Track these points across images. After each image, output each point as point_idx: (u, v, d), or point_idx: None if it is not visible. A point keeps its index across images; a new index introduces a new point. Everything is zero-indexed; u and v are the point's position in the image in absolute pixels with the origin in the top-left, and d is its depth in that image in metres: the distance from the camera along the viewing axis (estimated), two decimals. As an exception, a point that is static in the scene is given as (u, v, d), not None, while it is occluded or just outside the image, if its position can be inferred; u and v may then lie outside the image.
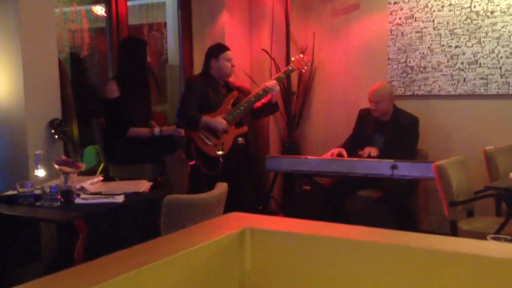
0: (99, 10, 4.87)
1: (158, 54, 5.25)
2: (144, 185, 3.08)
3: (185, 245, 1.37)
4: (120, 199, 2.81)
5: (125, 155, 3.65)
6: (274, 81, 4.10)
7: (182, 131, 3.70)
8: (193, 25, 4.75)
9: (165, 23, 5.17)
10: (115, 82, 3.65)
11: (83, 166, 3.10)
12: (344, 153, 4.07)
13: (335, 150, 4.10)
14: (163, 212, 2.42)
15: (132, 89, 3.67)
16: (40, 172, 2.99)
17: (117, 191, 2.92)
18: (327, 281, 1.39)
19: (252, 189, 4.54)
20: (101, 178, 3.28)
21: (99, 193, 2.92)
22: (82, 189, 2.99)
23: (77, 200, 2.80)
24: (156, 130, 3.66)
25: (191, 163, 3.83)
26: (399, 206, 3.83)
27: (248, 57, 4.94)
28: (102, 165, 3.98)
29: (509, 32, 4.04)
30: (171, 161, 3.56)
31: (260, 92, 4.05)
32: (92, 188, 3.04)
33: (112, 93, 3.62)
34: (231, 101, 4.04)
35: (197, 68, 4.52)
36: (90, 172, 3.89)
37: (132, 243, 1.48)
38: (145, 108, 3.81)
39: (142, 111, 3.76)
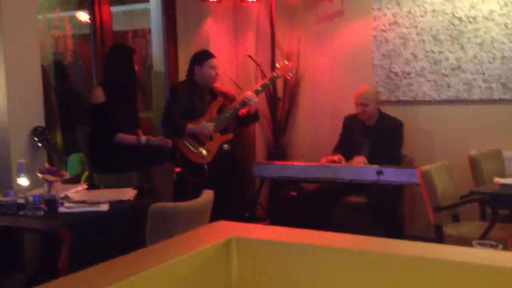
0: (83, 16, 4.83)
1: (143, 60, 5.23)
2: (129, 193, 3.05)
3: (171, 255, 1.36)
4: (105, 207, 2.77)
5: (111, 162, 3.61)
6: (252, 93, 4.08)
7: (170, 141, 3.68)
8: (178, 31, 4.74)
9: (150, 29, 5.15)
10: (101, 88, 3.62)
11: (67, 175, 3.06)
12: (343, 160, 4.05)
13: (336, 157, 4.07)
14: (149, 221, 2.40)
15: (118, 95, 3.65)
16: (23, 181, 2.95)
17: (102, 199, 2.89)
18: (314, 289, 1.39)
19: (238, 196, 4.52)
20: (85, 186, 3.25)
21: (84, 202, 2.88)
22: (66, 197, 2.95)
23: (61, 209, 2.76)
24: (143, 138, 3.64)
25: (177, 169, 3.81)
26: (385, 212, 3.84)
27: (234, 63, 4.94)
28: (86, 173, 3.94)
29: (491, 37, 4.09)
30: (158, 172, 3.53)
31: (237, 106, 4.04)
32: (77, 196, 3.00)
33: (97, 98, 3.59)
34: (216, 108, 4.03)
35: (182, 75, 4.50)
36: (74, 180, 3.84)
37: (117, 252, 1.47)
38: (131, 115, 3.78)
39: (129, 119, 3.73)
